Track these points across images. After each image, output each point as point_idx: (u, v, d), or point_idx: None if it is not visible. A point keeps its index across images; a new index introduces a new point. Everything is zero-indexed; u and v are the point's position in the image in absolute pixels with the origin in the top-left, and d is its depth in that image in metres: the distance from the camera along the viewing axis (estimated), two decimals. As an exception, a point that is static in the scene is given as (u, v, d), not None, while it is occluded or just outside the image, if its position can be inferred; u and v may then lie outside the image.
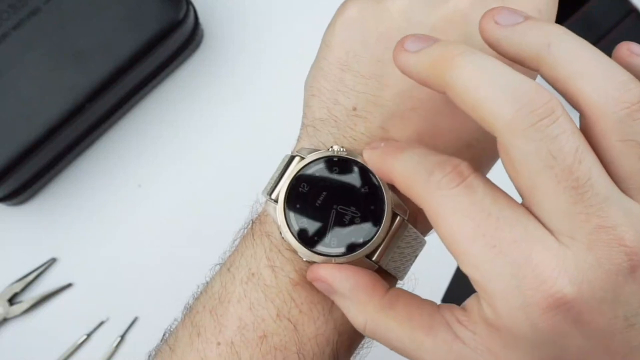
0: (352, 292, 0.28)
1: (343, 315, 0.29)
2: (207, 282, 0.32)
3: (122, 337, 0.53)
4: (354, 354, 0.32)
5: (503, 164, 0.24)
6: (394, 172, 0.26)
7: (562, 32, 0.25)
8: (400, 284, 0.31)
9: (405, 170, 0.26)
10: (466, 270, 0.24)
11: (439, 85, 0.25)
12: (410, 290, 0.30)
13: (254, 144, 0.55)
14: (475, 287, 0.24)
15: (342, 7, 0.31)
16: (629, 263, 0.23)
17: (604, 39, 0.54)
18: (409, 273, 0.31)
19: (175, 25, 0.51)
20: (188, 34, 0.54)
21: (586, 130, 0.24)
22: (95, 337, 0.53)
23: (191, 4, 0.52)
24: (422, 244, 0.30)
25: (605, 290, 0.23)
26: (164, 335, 0.33)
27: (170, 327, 0.32)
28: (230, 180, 0.54)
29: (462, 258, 0.24)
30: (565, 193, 0.23)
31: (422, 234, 0.30)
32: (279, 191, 0.29)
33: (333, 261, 0.28)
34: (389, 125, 0.29)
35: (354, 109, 0.30)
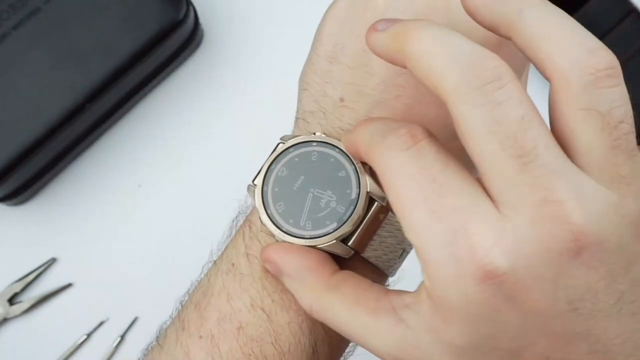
0: (298, 273, 0.28)
1: None
2: (199, 278, 0.32)
3: (122, 337, 0.53)
4: (346, 353, 0.32)
5: (458, 133, 0.24)
6: (358, 141, 0.26)
7: None
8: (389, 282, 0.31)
9: (365, 137, 0.26)
10: (408, 236, 0.24)
11: (401, 59, 0.25)
12: (395, 282, 0.31)
13: (254, 143, 0.55)
14: (417, 255, 0.24)
15: (332, 1, 0.32)
16: (575, 244, 0.22)
17: (604, 39, 0.54)
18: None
19: (175, 25, 0.51)
20: (188, 34, 0.54)
21: (551, 99, 0.24)
22: (95, 337, 0.53)
23: (191, 4, 0.52)
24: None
25: (545, 268, 0.22)
26: (157, 332, 0.33)
27: (163, 324, 0.33)
28: (230, 179, 0.54)
29: (404, 223, 0.24)
30: (509, 161, 0.22)
31: None
32: (259, 175, 0.30)
33: (306, 243, 0.29)
34: (374, 114, 0.30)
35: (342, 99, 0.30)
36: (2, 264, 0.54)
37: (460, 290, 0.23)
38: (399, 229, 0.29)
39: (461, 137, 0.23)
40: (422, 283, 0.25)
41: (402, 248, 0.30)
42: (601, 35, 0.54)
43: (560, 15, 0.24)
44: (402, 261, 0.31)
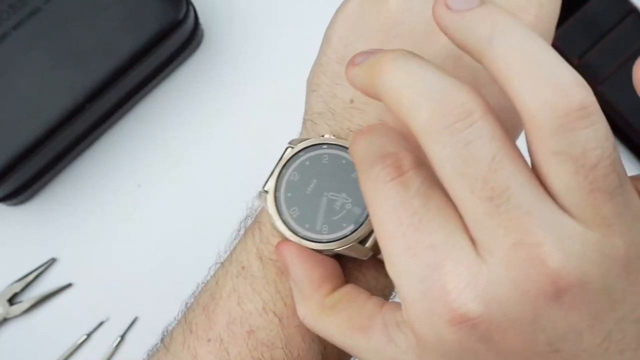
0: (300, 281, 0.28)
1: None
2: (205, 280, 0.32)
3: (122, 337, 0.53)
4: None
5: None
6: (353, 157, 0.26)
7: (509, 24, 0.22)
8: None
9: (357, 157, 0.25)
10: (386, 267, 0.23)
11: (374, 93, 0.24)
12: None
13: (255, 143, 0.55)
14: (396, 288, 0.24)
15: (343, 2, 0.31)
16: (553, 287, 0.21)
17: (604, 39, 0.54)
18: None
19: (175, 25, 0.51)
20: (188, 34, 0.54)
21: (526, 137, 0.22)
22: (95, 337, 0.53)
23: (191, 4, 0.52)
24: None
25: (521, 311, 0.22)
26: (162, 334, 0.33)
27: (169, 326, 0.33)
28: (230, 179, 0.54)
29: (384, 253, 0.23)
30: (481, 204, 0.22)
31: None
32: (270, 181, 0.29)
33: (323, 247, 0.28)
34: (385, 117, 0.29)
35: (352, 101, 0.30)
36: (2, 264, 0.54)
37: (433, 328, 0.22)
38: None
39: (437, 175, 0.23)
40: None
41: None
42: (601, 35, 0.54)
43: (532, 44, 0.22)
44: None
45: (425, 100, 0.22)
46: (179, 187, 0.55)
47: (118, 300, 0.53)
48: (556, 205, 0.22)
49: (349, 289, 0.28)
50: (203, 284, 0.32)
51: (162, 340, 0.32)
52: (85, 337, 0.53)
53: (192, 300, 0.32)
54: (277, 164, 0.30)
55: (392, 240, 0.23)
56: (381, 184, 0.23)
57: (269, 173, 0.30)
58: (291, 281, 0.29)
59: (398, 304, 0.26)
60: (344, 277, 0.29)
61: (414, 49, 0.28)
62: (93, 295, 0.53)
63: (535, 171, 0.22)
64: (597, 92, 0.55)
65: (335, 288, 0.28)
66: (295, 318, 0.29)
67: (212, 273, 0.32)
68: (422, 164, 0.24)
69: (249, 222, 0.32)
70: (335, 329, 0.27)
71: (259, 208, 0.32)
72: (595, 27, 0.55)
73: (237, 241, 0.32)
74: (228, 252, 0.32)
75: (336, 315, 0.27)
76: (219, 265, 0.32)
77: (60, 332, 0.53)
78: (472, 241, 0.22)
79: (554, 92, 0.21)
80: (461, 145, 0.22)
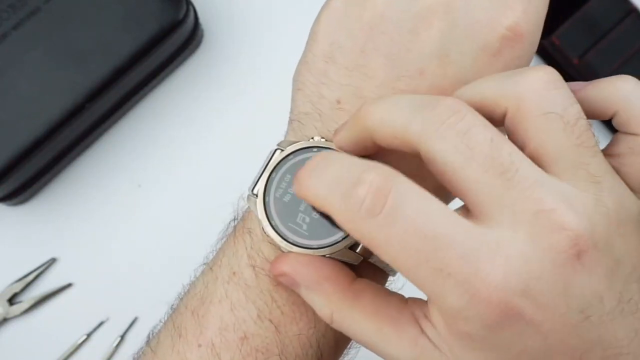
0: (316, 283, 0.27)
1: None
2: (191, 282, 0.32)
3: (122, 337, 0.53)
4: (342, 356, 0.32)
5: (437, 177, 0.24)
6: (312, 197, 0.24)
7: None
8: (390, 281, 0.31)
9: (320, 191, 0.24)
10: (419, 289, 0.23)
11: (369, 136, 0.26)
12: (400, 287, 0.30)
13: (255, 143, 0.55)
14: (429, 301, 0.24)
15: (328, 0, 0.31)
16: (575, 249, 0.22)
17: (604, 39, 0.54)
18: None
19: (175, 25, 0.51)
20: (188, 34, 0.54)
21: (510, 123, 0.25)
22: (95, 337, 0.53)
23: (191, 4, 0.52)
24: None
25: (554, 282, 0.22)
26: (148, 337, 0.32)
27: (154, 329, 0.32)
28: (230, 179, 0.54)
29: (412, 281, 0.23)
30: (493, 180, 0.23)
31: None
32: (259, 185, 0.29)
33: (314, 253, 0.28)
34: None
35: (338, 102, 0.30)
36: (2, 264, 0.54)
37: (484, 326, 0.23)
38: None
39: (440, 174, 0.24)
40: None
41: None
42: (601, 35, 0.54)
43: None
44: None
45: (414, 113, 0.24)
46: (179, 187, 0.55)
47: (118, 300, 0.53)
48: (549, 174, 0.23)
49: (366, 282, 0.28)
50: (189, 286, 0.31)
51: (148, 343, 0.31)
52: (85, 337, 0.53)
53: (177, 302, 0.32)
54: (266, 166, 0.29)
55: (417, 270, 0.23)
56: (373, 221, 0.23)
57: (257, 175, 0.29)
58: (305, 291, 0.28)
59: (421, 300, 0.26)
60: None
61: (400, 45, 0.29)
62: (93, 295, 0.53)
63: (524, 152, 0.24)
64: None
65: (352, 279, 0.28)
66: (293, 326, 0.29)
67: (197, 275, 0.31)
68: (400, 174, 0.23)
69: (238, 224, 0.31)
70: (365, 322, 0.26)
71: (245, 209, 0.31)
72: (595, 27, 0.55)
73: (223, 242, 0.31)
74: (214, 253, 0.32)
75: (364, 309, 0.27)
76: (205, 267, 0.31)
77: (60, 332, 0.53)
78: (487, 224, 0.23)
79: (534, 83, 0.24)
80: (461, 134, 0.23)
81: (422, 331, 0.25)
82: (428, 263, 0.22)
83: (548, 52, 0.55)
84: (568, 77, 0.56)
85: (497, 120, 0.25)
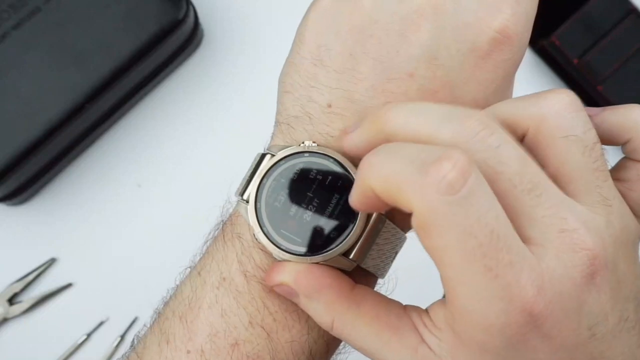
0: (317, 291, 0.27)
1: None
2: (176, 287, 0.31)
3: (122, 337, 0.53)
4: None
5: None
6: (377, 176, 0.23)
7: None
8: (379, 284, 0.31)
9: (394, 166, 0.23)
10: (451, 284, 0.23)
11: (383, 138, 0.25)
12: (391, 290, 0.30)
13: (254, 143, 0.55)
14: (454, 300, 0.23)
15: (314, 1, 0.30)
16: (591, 269, 0.23)
17: (604, 39, 0.54)
18: (389, 271, 0.30)
19: (175, 25, 0.51)
20: (188, 34, 0.54)
21: (531, 143, 0.25)
22: (95, 337, 0.53)
23: (191, 4, 0.52)
24: (401, 240, 0.30)
25: (570, 299, 0.23)
26: (132, 341, 0.32)
27: (139, 333, 0.31)
28: (230, 180, 0.54)
29: (451, 274, 0.23)
30: (523, 196, 0.23)
31: (402, 229, 0.29)
32: (250, 191, 0.28)
33: (308, 261, 0.27)
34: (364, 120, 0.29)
35: (329, 105, 0.29)
36: (2, 264, 0.54)
37: (505, 337, 0.23)
38: (394, 234, 0.29)
39: None
40: (437, 308, 0.25)
41: (396, 252, 0.30)
42: (601, 35, 0.54)
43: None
44: (393, 261, 0.31)
45: (443, 122, 0.24)
46: (178, 187, 0.55)
47: (118, 300, 0.53)
48: (565, 194, 0.24)
49: (365, 289, 0.28)
50: (174, 290, 0.31)
51: (133, 349, 0.31)
52: (85, 337, 0.53)
53: (162, 307, 0.31)
54: (255, 171, 0.29)
55: (470, 262, 0.22)
56: (448, 198, 0.21)
57: (245, 179, 0.29)
58: (304, 300, 0.27)
59: (418, 308, 0.26)
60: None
61: (389, 48, 0.28)
62: (93, 295, 0.54)
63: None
64: (597, 92, 0.56)
65: (352, 285, 0.28)
66: (286, 333, 0.29)
67: (183, 279, 0.31)
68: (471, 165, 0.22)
69: (227, 228, 0.31)
70: (367, 329, 0.26)
71: (233, 212, 0.31)
72: (595, 27, 0.55)
73: (210, 246, 0.31)
74: (201, 257, 0.31)
75: (365, 315, 0.27)
76: (193, 271, 0.31)
77: (60, 332, 0.53)
78: (524, 239, 0.23)
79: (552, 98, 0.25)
80: (492, 149, 0.23)
81: (422, 339, 0.25)
82: (484, 259, 0.22)
83: (548, 52, 0.55)
84: (568, 76, 0.56)
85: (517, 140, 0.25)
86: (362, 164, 0.24)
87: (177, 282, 0.31)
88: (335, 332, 0.27)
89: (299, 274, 0.27)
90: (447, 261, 0.22)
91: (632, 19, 0.55)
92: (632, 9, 0.55)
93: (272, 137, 0.31)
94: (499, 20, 0.28)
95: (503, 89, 0.29)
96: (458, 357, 0.24)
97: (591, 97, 0.55)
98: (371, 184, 0.23)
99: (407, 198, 0.22)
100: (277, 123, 0.31)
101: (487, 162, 0.23)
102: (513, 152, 0.23)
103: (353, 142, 0.27)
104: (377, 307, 0.27)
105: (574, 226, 0.23)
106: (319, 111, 0.29)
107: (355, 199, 0.25)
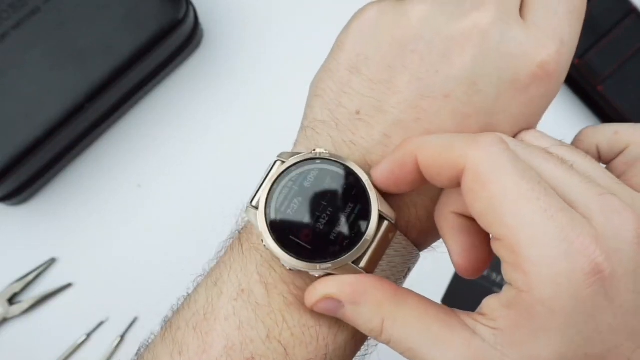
0: (362, 295, 0.27)
1: (335, 340, 0.28)
2: (189, 296, 0.30)
3: (122, 337, 0.53)
4: None
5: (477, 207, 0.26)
6: (426, 146, 0.27)
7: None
8: None
9: (436, 143, 0.26)
10: (508, 232, 0.24)
11: (462, 162, 0.27)
12: None
13: (254, 144, 0.55)
14: (512, 255, 0.24)
15: (362, 9, 0.30)
16: (638, 231, 0.24)
17: (604, 39, 0.54)
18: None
19: (175, 25, 0.51)
20: (188, 34, 0.54)
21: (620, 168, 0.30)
22: (95, 337, 0.53)
23: (191, 4, 0.52)
24: (414, 256, 0.29)
25: (628, 259, 0.24)
26: (138, 350, 0.31)
27: (147, 341, 0.31)
28: (230, 180, 0.54)
29: (508, 220, 0.24)
30: (570, 172, 0.26)
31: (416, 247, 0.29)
32: (260, 197, 0.28)
33: (317, 267, 0.27)
34: (391, 132, 0.29)
35: (357, 112, 0.29)
36: (2, 264, 0.54)
37: (572, 286, 0.23)
38: (406, 247, 0.29)
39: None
40: (490, 301, 0.25)
41: (408, 267, 0.29)
42: (601, 35, 0.54)
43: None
44: (405, 279, 0.30)
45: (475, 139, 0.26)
46: (179, 187, 0.55)
47: (118, 300, 0.53)
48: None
49: (405, 288, 0.28)
50: (186, 299, 0.30)
51: (141, 357, 0.30)
52: (85, 337, 0.53)
53: (173, 315, 0.30)
54: (266, 178, 0.28)
55: (526, 204, 0.24)
56: (501, 148, 0.25)
57: (257, 186, 0.28)
58: (350, 308, 0.27)
59: (461, 311, 0.27)
60: None
61: (428, 66, 0.28)
62: (93, 295, 0.54)
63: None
64: (597, 92, 0.56)
65: (396, 286, 0.27)
66: (303, 349, 0.28)
67: (196, 289, 0.30)
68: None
69: (244, 238, 0.30)
70: (418, 324, 0.26)
71: (248, 222, 0.30)
72: (595, 27, 0.55)
73: (225, 255, 0.30)
74: (214, 266, 0.30)
75: (415, 310, 0.26)
76: (208, 281, 0.30)
77: (60, 332, 0.53)
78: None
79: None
80: (559, 160, 0.27)
81: (474, 332, 0.25)
82: (538, 202, 0.24)
83: (548, 52, 0.55)
84: (568, 77, 0.56)
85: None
86: (404, 141, 0.27)
87: (190, 291, 0.30)
88: (385, 334, 0.27)
89: (343, 283, 0.27)
90: (505, 206, 0.24)
91: (632, 19, 0.55)
92: (632, 9, 0.55)
93: (295, 143, 0.31)
94: (543, 55, 0.28)
95: (531, 123, 0.30)
96: (518, 342, 0.24)
97: (591, 97, 0.55)
98: (418, 147, 0.26)
99: (461, 153, 0.25)
100: (303, 127, 0.30)
101: (557, 169, 0.26)
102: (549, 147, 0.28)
103: (428, 151, 0.27)
104: (423, 304, 0.27)
105: (611, 192, 0.25)
106: (347, 117, 0.29)
107: (382, 170, 0.27)
